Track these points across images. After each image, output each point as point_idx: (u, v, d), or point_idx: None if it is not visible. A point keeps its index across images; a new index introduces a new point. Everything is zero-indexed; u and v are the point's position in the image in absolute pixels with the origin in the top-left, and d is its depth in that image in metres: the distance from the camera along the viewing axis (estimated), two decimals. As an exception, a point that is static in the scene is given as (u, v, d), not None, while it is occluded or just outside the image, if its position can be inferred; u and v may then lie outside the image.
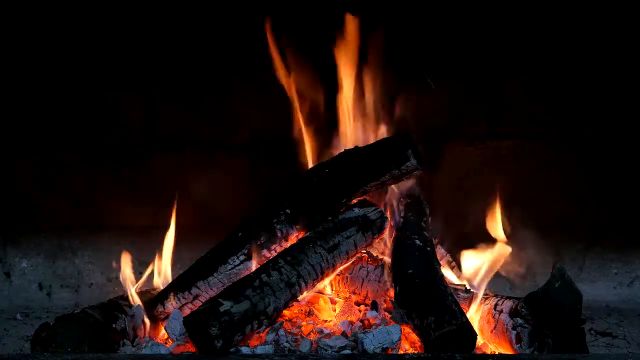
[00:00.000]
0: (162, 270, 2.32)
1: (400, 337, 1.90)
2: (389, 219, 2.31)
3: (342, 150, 2.34)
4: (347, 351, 1.89)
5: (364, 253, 2.28)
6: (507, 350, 1.95)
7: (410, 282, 2.03)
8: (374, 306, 2.18)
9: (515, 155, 3.08)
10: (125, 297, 2.20)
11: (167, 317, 2.14)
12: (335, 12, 2.53)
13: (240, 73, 2.99)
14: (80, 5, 2.91)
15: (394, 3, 2.92)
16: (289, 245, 2.19)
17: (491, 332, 2.01)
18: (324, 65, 2.54)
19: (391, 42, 2.77)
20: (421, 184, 2.54)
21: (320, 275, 2.10)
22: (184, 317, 1.94)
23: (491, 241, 2.32)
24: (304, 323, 2.09)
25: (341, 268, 2.22)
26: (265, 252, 2.20)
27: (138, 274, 2.32)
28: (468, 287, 2.22)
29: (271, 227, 2.22)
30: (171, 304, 2.19)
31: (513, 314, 1.94)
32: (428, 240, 2.27)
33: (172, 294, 2.20)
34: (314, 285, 2.13)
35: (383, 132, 2.46)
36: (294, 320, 2.11)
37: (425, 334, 1.85)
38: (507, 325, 1.94)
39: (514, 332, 1.90)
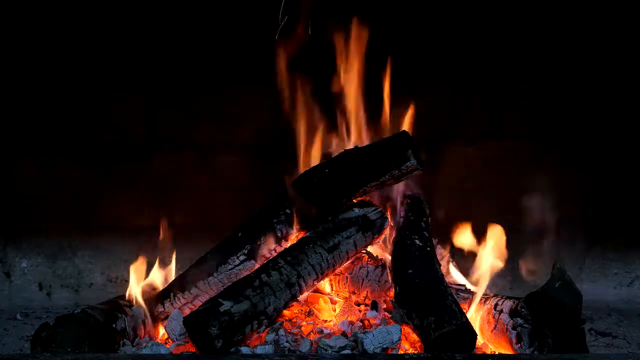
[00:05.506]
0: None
1: (400, 337, 1.90)
2: (389, 219, 2.30)
3: (342, 150, 2.34)
4: (347, 351, 1.89)
5: (364, 253, 2.28)
6: (507, 350, 1.95)
7: (410, 282, 2.03)
8: (374, 306, 2.18)
9: (516, 155, 3.08)
10: (125, 297, 2.20)
11: (167, 317, 2.14)
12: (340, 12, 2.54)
13: (240, 73, 2.98)
14: (81, 7, 2.91)
15: (399, 4, 2.92)
16: (289, 245, 2.19)
17: (491, 332, 2.01)
18: (324, 63, 2.54)
19: (394, 42, 2.78)
20: (421, 184, 2.54)
21: (321, 275, 2.09)
22: (184, 317, 1.94)
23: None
24: (304, 323, 2.09)
25: (341, 268, 2.22)
26: (265, 252, 2.20)
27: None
28: (468, 287, 2.22)
29: (271, 227, 2.22)
30: (171, 304, 2.19)
31: (513, 314, 1.94)
32: (428, 240, 2.26)
33: (172, 294, 2.21)
34: (314, 285, 2.13)
35: (383, 132, 2.46)
36: (294, 320, 2.11)
37: (425, 334, 1.85)
38: (507, 325, 1.94)
39: (514, 332, 1.91)
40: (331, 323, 2.14)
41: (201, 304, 2.02)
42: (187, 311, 2.11)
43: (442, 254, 2.41)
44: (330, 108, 2.53)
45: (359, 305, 2.24)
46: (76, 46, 2.96)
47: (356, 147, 2.30)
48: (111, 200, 3.01)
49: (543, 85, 3.03)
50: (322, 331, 2.05)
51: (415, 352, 1.94)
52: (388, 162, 2.19)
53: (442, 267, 2.18)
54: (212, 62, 2.99)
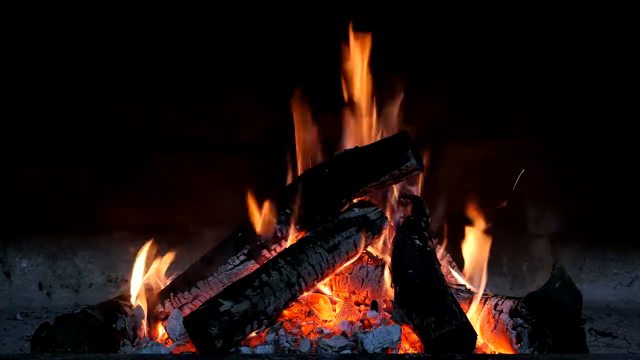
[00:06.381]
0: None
1: (400, 337, 1.90)
2: (389, 219, 2.31)
3: (342, 150, 2.34)
4: (347, 351, 1.89)
5: (364, 253, 2.28)
6: (507, 350, 1.95)
7: (410, 282, 2.03)
8: (374, 306, 2.18)
9: (516, 155, 3.08)
10: (125, 297, 2.20)
11: (167, 317, 2.14)
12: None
13: (240, 73, 2.98)
14: (81, 8, 2.91)
15: (401, 4, 2.92)
16: (289, 245, 2.19)
17: (491, 332, 2.01)
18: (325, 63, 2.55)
19: (395, 42, 2.78)
20: (421, 184, 2.54)
21: (321, 275, 2.09)
22: (184, 317, 1.94)
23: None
24: (304, 323, 2.09)
25: (341, 268, 2.22)
26: (265, 252, 2.20)
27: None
28: (468, 287, 2.22)
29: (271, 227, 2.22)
30: (171, 304, 2.19)
31: (513, 314, 1.94)
32: (428, 240, 2.26)
33: (172, 293, 2.21)
34: (314, 285, 2.13)
35: (383, 132, 2.46)
36: (294, 320, 2.11)
37: (425, 334, 1.85)
38: (507, 325, 1.94)
39: (514, 332, 1.90)
40: (331, 323, 2.14)
41: (201, 304, 2.02)
42: (187, 311, 2.11)
43: (442, 254, 2.41)
44: (330, 107, 2.53)
45: (359, 305, 2.24)
46: (76, 46, 2.96)
47: (356, 147, 2.30)
48: (111, 200, 3.01)
49: (543, 85, 3.03)
50: (322, 331, 2.05)
51: (415, 352, 1.94)
52: (388, 162, 2.19)
53: (442, 267, 2.19)
54: (212, 62, 2.99)
